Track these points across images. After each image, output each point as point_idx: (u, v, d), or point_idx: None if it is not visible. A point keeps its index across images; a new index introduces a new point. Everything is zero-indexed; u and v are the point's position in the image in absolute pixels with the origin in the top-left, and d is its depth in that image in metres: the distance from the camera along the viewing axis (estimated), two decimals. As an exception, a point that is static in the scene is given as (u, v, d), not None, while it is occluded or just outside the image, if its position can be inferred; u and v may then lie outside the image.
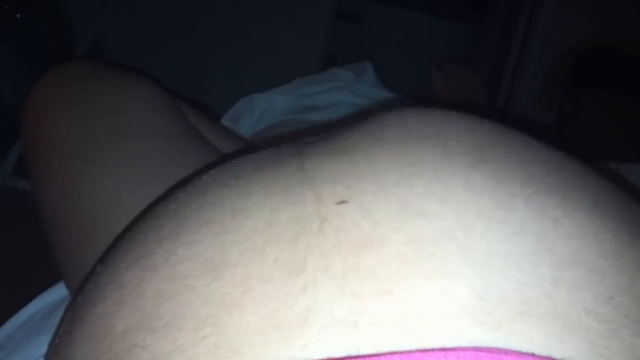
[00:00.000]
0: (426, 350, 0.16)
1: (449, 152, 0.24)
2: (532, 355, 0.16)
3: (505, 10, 1.46)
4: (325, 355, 0.17)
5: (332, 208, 0.22)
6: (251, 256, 0.21)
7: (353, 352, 0.17)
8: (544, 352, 0.17)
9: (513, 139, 0.27)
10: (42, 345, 0.51)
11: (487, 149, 0.25)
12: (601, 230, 0.22)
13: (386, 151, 0.25)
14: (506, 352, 0.16)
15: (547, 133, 0.29)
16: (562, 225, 0.21)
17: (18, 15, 1.10)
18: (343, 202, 0.22)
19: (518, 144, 0.26)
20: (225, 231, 0.22)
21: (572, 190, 0.24)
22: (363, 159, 0.25)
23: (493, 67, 1.46)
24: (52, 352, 0.25)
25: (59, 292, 0.57)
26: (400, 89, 0.97)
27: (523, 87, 1.29)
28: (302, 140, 0.30)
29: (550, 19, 1.23)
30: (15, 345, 0.53)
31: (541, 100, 1.28)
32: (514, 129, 0.28)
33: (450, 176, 0.23)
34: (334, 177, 0.24)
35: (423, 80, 1.13)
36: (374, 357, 0.16)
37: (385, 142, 0.26)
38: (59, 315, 0.53)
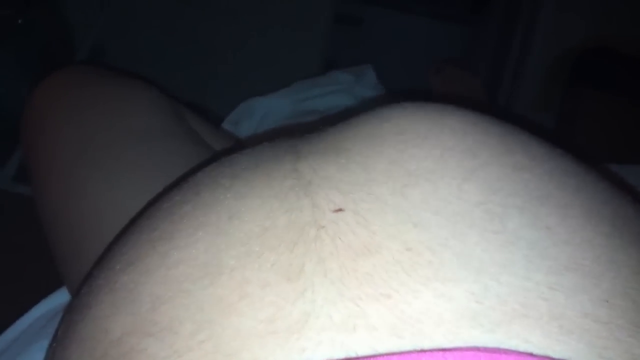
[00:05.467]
0: (424, 351, 0.16)
1: (445, 158, 0.24)
2: (531, 354, 0.17)
3: (504, 12, 1.47)
4: (323, 359, 0.17)
5: (329, 216, 0.22)
6: (248, 261, 0.21)
7: (352, 355, 0.17)
8: (542, 353, 0.17)
9: (509, 138, 0.27)
10: (44, 350, 0.51)
11: (483, 152, 0.25)
12: (595, 236, 0.22)
13: (382, 156, 0.25)
14: (505, 351, 0.16)
15: (546, 131, 0.29)
16: (556, 233, 0.22)
17: (19, 20, 1.11)
18: (339, 210, 0.22)
19: (514, 144, 0.26)
20: (220, 235, 0.22)
21: (566, 196, 0.24)
22: (358, 166, 0.25)
23: (492, 68, 1.46)
24: (50, 356, 0.25)
25: (61, 298, 0.57)
26: (401, 91, 0.96)
27: (522, 88, 1.29)
28: (297, 136, 0.30)
29: (549, 20, 1.23)
30: (18, 350, 0.53)
31: (540, 102, 1.28)
32: (512, 126, 0.28)
33: (445, 187, 0.23)
34: (330, 183, 0.24)
35: (423, 83, 1.13)
36: (371, 359, 0.16)
37: (380, 143, 0.26)
38: (61, 320, 0.53)
